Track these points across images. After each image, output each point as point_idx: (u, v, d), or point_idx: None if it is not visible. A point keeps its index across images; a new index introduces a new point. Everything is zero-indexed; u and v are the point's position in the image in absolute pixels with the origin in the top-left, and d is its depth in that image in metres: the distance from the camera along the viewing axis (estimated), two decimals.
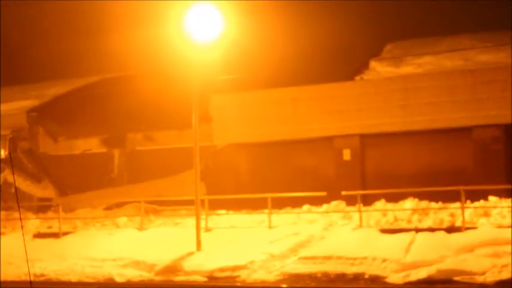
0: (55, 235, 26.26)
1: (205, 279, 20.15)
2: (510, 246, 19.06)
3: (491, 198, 23.58)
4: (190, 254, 21.88)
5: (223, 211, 27.02)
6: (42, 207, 31.73)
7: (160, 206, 28.46)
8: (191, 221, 24.34)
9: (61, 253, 23.64)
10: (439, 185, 23.60)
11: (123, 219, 27.72)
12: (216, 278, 20.11)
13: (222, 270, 20.33)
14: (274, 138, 29.14)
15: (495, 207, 22.80)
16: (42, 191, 33.34)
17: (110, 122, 33.71)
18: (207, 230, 24.33)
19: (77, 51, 40.61)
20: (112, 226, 27.28)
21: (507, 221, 21.39)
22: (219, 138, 30.15)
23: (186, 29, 22.95)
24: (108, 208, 30.48)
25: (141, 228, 25.54)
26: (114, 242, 24.13)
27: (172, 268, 21.12)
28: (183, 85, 26.31)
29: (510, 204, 22.79)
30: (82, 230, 27.09)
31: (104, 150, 33.77)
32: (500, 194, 23.71)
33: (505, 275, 17.32)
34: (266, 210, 24.42)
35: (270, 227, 23.86)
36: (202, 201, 24.52)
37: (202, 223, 23.99)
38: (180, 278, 20.49)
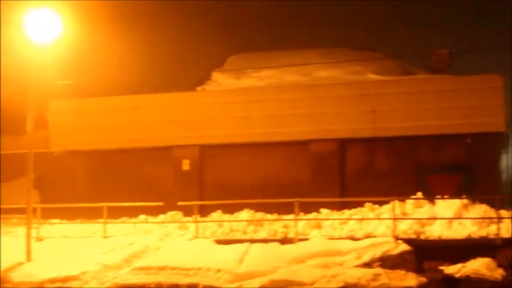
0: None
1: None
2: (339, 257, 19.70)
3: (324, 210, 24.21)
4: (20, 264, 21.07)
5: (57, 220, 26.21)
6: None
7: None
8: (23, 230, 23.47)
9: None
10: (279, 196, 23.92)
11: None
12: None
13: (52, 281, 19.72)
14: (114, 146, 28.71)
15: (327, 219, 23.39)
16: None
17: None
18: (39, 239, 23.51)
19: None
20: None
21: (338, 233, 22.04)
22: (57, 145, 29.36)
23: (23, 30, 22.18)
24: None
25: None
26: None
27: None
28: (21, 89, 25.43)
29: (341, 216, 23.53)
30: None
31: None
32: (332, 206, 24.41)
33: (333, 285, 17.81)
34: (101, 220, 23.93)
35: (104, 236, 23.40)
36: (35, 209, 23.70)
37: (35, 232, 23.20)
38: None
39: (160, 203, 24.54)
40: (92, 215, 25.16)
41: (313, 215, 23.97)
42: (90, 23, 31.16)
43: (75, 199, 27.01)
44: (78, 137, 28.94)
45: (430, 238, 21.16)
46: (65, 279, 19.72)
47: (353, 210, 23.92)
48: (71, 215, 26.09)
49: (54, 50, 23.25)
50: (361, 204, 23.91)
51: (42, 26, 22.08)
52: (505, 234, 20.81)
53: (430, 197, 23.73)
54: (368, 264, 19.37)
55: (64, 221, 26.05)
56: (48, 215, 25.64)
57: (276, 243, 21.40)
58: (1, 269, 20.61)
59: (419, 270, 19.17)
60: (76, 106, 29.57)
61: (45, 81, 27.42)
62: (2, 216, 26.11)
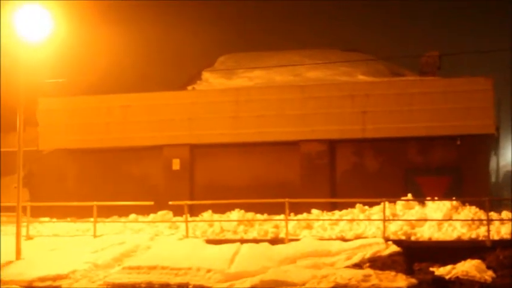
0: None
1: None
2: (330, 258, 19.76)
3: (314, 211, 24.26)
4: (9, 262, 20.93)
5: (47, 219, 26.14)
6: None
7: None
8: (12, 229, 23.36)
9: None
10: (268, 197, 23.96)
11: None
12: None
13: (42, 279, 19.60)
14: (103, 145, 28.65)
15: (317, 219, 23.45)
16: None
17: None
18: (29, 238, 23.43)
19: None
20: None
21: (328, 233, 22.10)
22: (46, 143, 29.25)
23: (13, 28, 22.04)
24: None
25: None
26: None
27: None
28: (9, 87, 25.33)
29: (331, 217, 23.59)
30: None
31: None
32: (322, 207, 24.48)
33: (324, 286, 17.82)
34: (91, 219, 23.88)
35: (95, 235, 23.33)
36: (25, 208, 23.61)
37: (24, 231, 23.12)
38: None
39: (151, 203, 24.46)
40: (82, 213, 25.12)
41: (304, 215, 24.02)
42: (80, 22, 31.09)
43: (65, 197, 26.93)
44: (67, 136, 28.80)
45: (420, 239, 21.29)
46: (55, 278, 19.61)
47: (343, 211, 24.02)
48: (61, 213, 26.04)
49: (44, 48, 23.16)
50: (351, 205, 23.99)
51: (32, 24, 21.97)
52: (494, 236, 20.96)
53: (420, 198, 23.86)
54: (358, 265, 19.44)
55: (54, 220, 26.02)
56: (37, 213, 25.59)
57: (266, 244, 21.42)
58: None
59: (409, 272, 19.25)
60: (66, 104, 29.41)
61: (35, 79, 27.37)
62: None
